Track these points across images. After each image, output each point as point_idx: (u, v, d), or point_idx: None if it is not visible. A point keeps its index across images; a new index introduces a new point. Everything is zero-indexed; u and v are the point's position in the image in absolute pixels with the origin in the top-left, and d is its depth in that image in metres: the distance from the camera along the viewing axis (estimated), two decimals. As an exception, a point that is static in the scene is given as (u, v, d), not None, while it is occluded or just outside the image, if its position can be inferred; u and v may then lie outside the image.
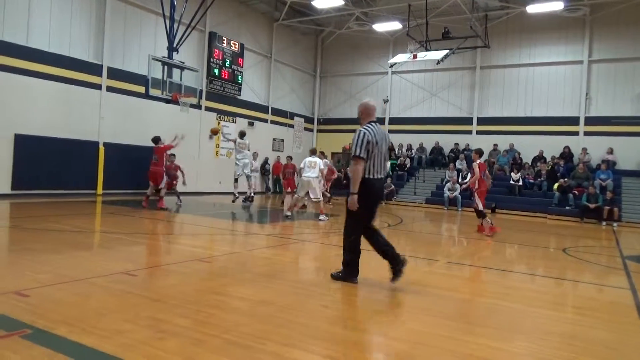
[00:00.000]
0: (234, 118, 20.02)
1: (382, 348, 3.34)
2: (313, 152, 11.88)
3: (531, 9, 18.03)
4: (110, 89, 14.90)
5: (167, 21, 14.09)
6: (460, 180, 17.68)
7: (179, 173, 13.04)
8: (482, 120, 21.27)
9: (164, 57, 13.86)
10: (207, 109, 18.54)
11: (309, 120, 25.12)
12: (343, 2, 18.85)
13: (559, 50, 19.75)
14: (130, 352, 2.80)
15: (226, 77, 19.20)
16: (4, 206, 10.77)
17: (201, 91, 17.26)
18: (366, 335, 3.57)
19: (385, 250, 4.88)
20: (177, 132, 12.78)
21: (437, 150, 21.52)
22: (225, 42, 18.98)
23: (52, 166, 13.24)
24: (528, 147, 19.63)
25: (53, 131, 13.35)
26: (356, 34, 23.25)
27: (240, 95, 20.14)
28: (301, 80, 24.51)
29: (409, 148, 22.48)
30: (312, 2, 18.78)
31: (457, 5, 18.50)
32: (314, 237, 8.91)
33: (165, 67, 13.64)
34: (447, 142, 21.50)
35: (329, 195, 15.57)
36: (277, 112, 22.62)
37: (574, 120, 19.34)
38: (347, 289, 4.74)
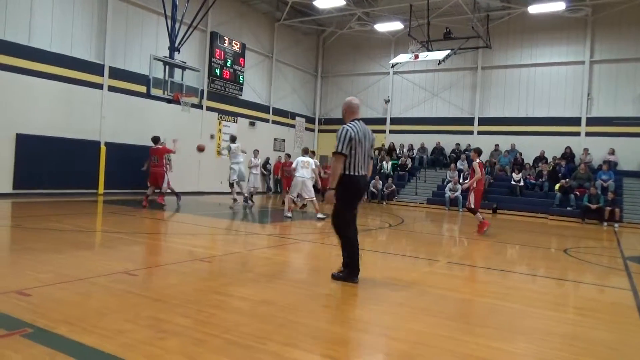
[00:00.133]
0: (235, 118, 20.04)
1: (382, 348, 3.34)
2: (305, 152, 11.90)
3: (533, 9, 18.01)
4: (111, 88, 14.92)
5: (169, 21, 14.12)
6: (461, 181, 17.67)
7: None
8: (483, 121, 21.26)
9: (166, 56, 13.89)
10: (209, 108, 18.56)
11: (310, 120, 25.13)
12: (344, 2, 18.85)
13: (560, 51, 19.73)
14: (131, 352, 2.81)
15: (227, 77, 19.21)
16: (6, 205, 10.79)
17: (202, 91, 17.26)
18: (366, 335, 3.57)
19: (352, 248, 4.98)
20: (173, 138, 12.78)
21: (438, 150, 21.50)
22: (226, 42, 19.00)
23: (54, 166, 13.26)
24: (529, 147, 19.61)
25: (54, 131, 13.38)
26: (358, 34, 23.25)
27: (241, 95, 20.16)
28: (302, 80, 24.52)
29: (410, 148, 22.47)
30: (314, 2, 18.79)
31: (458, 6, 18.48)
32: (314, 237, 8.91)
33: (167, 66, 13.67)
34: (448, 143, 21.49)
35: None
36: (278, 112, 22.63)
37: (576, 121, 19.32)
38: (348, 288, 4.74)
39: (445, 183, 19.07)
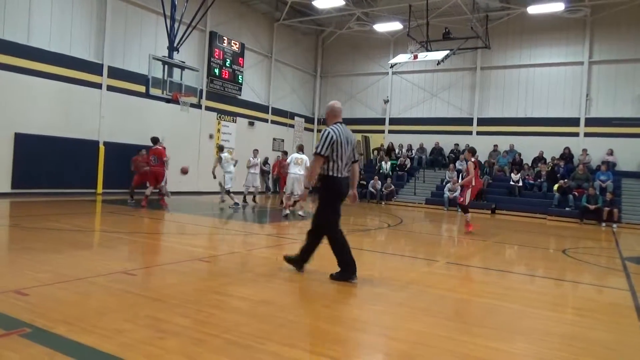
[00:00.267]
0: (234, 118, 20.03)
1: (381, 348, 3.34)
2: (300, 149, 11.90)
3: (532, 9, 18.03)
4: (110, 88, 14.90)
5: (168, 21, 14.10)
6: (459, 181, 17.67)
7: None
8: (482, 121, 21.27)
9: (165, 56, 13.87)
10: (208, 108, 18.54)
11: (309, 120, 25.12)
12: (344, 2, 18.85)
13: (559, 51, 19.75)
14: (130, 352, 2.80)
15: (226, 76, 19.20)
16: (4, 205, 10.77)
17: (201, 91, 17.26)
18: (366, 335, 3.57)
19: (312, 250, 5.15)
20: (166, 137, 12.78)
21: (437, 150, 21.52)
22: (225, 41, 18.99)
23: (52, 165, 13.24)
24: (528, 147, 19.63)
25: (53, 130, 13.36)
26: (357, 34, 23.25)
27: (240, 95, 20.15)
28: (301, 80, 24.51)
29: (409, 148, 22.48)
30: (313, 2, 18.79)
31: (457, 6, 18.49)
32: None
33: (166, 66, 13.66)
34: (447, 143, 21.50)
35: None
36: (277, 112, 22.62)
37: (574, 121, 19.34)
38: (347, 288, 4.74)
39: (444, 183, 19.08)
